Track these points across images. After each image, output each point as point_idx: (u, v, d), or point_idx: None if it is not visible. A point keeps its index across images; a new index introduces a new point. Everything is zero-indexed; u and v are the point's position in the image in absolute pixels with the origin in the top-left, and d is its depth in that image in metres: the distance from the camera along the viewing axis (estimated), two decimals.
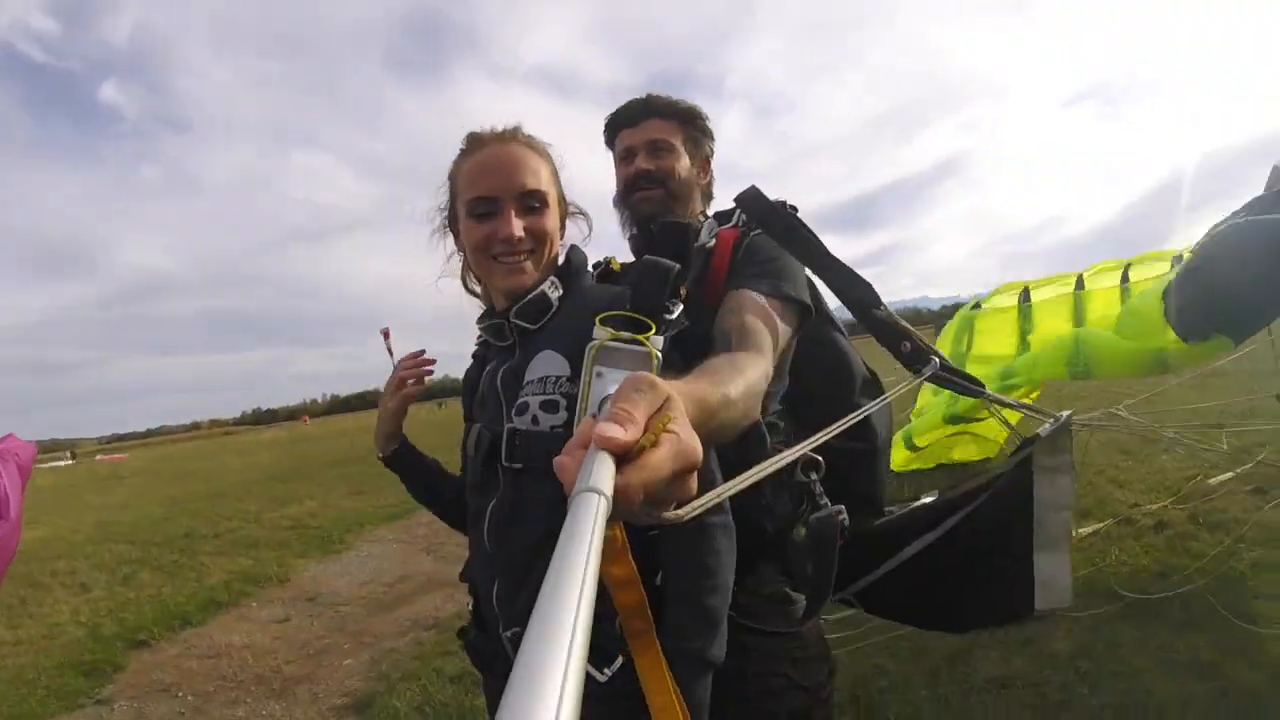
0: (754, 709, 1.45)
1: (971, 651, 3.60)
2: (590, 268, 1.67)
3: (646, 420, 0.67)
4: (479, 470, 1.47)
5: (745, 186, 1.69)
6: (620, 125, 1.91)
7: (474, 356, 1.71)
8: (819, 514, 1.46)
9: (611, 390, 0.83)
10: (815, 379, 1.72)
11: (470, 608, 1.65)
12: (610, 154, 1.95)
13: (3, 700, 4.80)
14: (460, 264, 1.61)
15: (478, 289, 1.62)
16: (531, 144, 1.47)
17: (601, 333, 1.05)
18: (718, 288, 1.57)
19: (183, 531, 10.82)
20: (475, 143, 1.47)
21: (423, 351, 1.76)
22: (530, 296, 1.45)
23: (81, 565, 9.13)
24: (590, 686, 1.21)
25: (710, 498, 0.76)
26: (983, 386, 1.79)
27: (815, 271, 1.66)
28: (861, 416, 1.39)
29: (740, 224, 1.73)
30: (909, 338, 1.65)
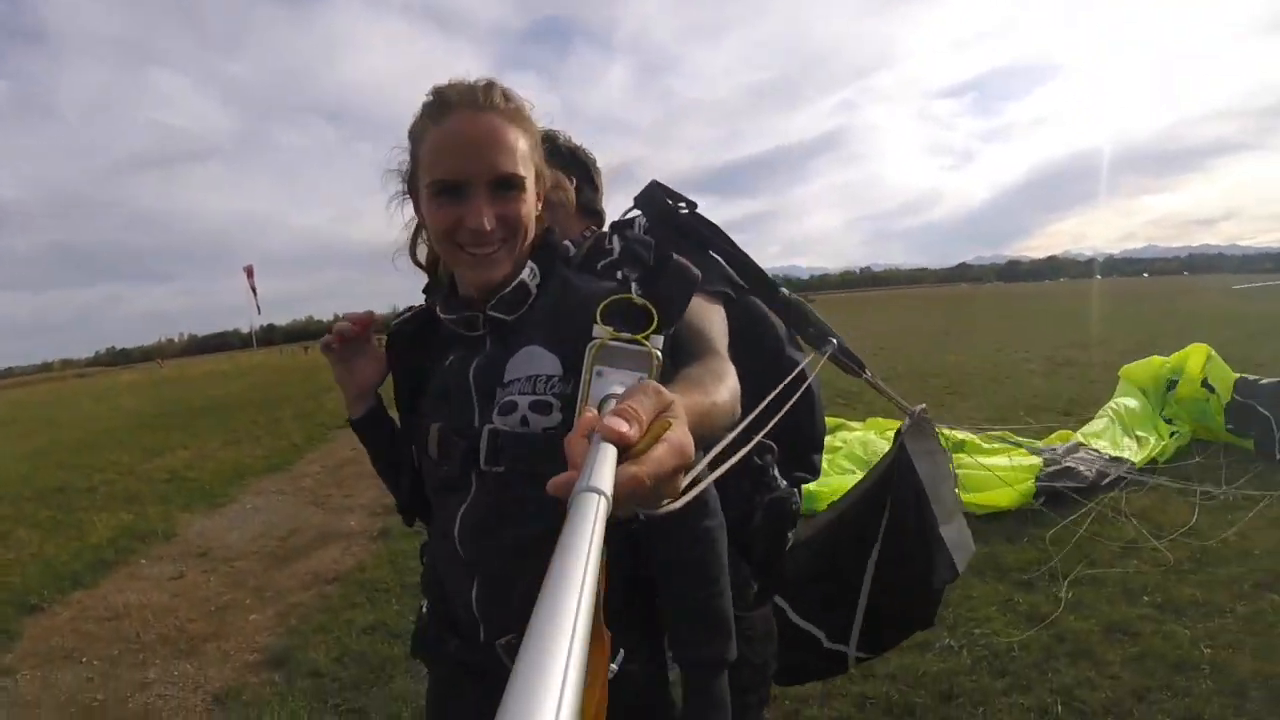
0: None
1: None
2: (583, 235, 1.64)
3: (650, 421, 0.70)
4: (445, 471, 1.37)
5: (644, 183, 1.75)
6: None
7: (400, 333, 1.52)
8: (773, 494, 1.59)
9: (612, 390, 0.87)
10: (743, 346, 1.58)
11: (425, 611, 1.55)
12: None
13: None
14: (411, 231, 1.48)
15: (423, 259, 1.50)
16: (507, 111, 1.28)
17: (602, 331, 1.01)
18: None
19: (55, 484, 10.44)
20: (441, 105, 1.28)
21: (370, 315, 1.52)
22: (509, 291, 1.33)
23: None
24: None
25: (696, 490, 0.78)
26: (864, 369, 2.03)
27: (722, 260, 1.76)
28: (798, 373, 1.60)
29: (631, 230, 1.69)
30: (810, 321, 1.85)
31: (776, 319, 1.87)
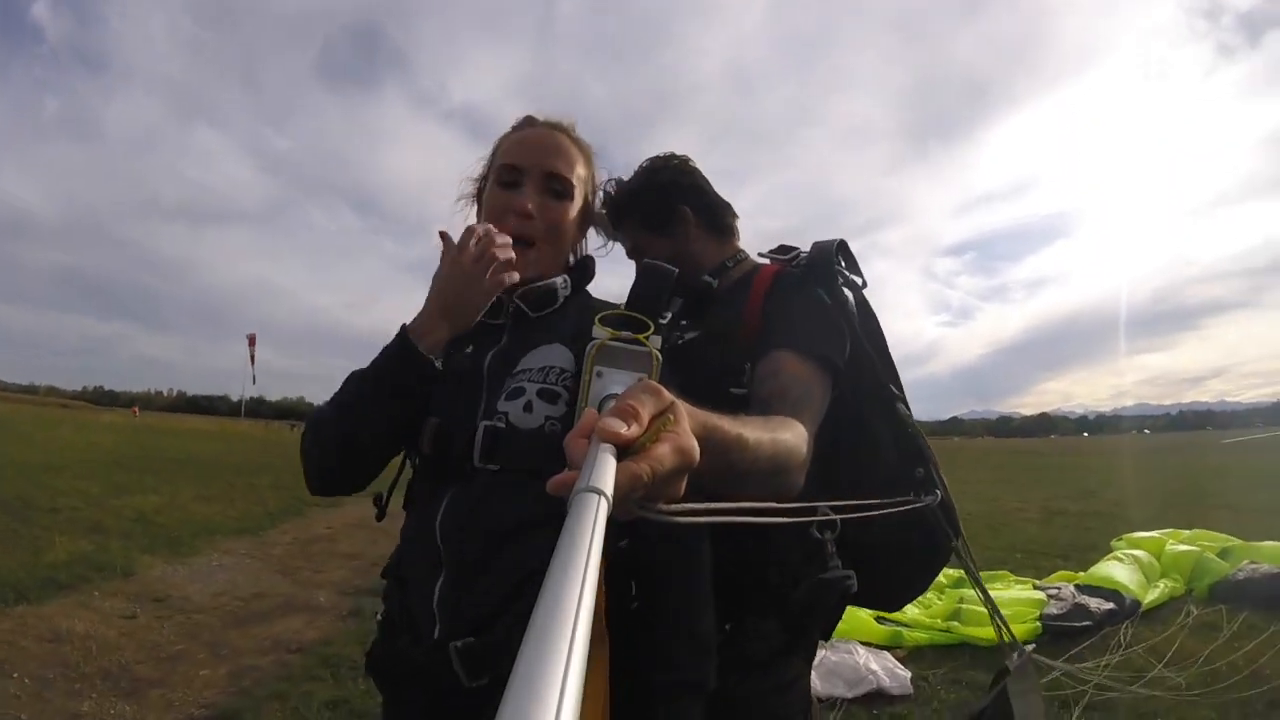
0: None
1: None
2: None
3: (650, 420, 0.69)
4: (437, 465, 1.34)
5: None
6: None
7: None
8: (827, 574, 1.45)
9: (612, 390, 0.87)
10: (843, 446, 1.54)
11: (382, 617, 1.43)
12: None
13: None
14: None
15: None
16: (576, 140, 1.49)
17: (601, 332, 1.03)
18: (755, 312, 1.57)
19: (16, 494, 10.11)
20: (527, 122, 1.50)
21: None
22: (541, 284, 1.41)
23: None
24: None
25: (710, 507, 0.77)
26: (958, 536, 1.74)
27: (864, 341, 1.59)
28: (882, 511, 1.39)
29: (790, 263, 1.69)
30: (924, 462, 1.62)
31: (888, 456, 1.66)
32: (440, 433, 1.34)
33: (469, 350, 1.40)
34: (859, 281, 1.64)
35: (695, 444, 0.71)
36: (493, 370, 1.35)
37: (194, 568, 7.53)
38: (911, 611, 5.41)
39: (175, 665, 4.67)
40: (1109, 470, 26.97)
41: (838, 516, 1.38)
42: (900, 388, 1.64)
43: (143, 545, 8.13)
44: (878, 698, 4.22)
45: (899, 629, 5.14)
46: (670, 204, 1.79)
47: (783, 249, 1.76)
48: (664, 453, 0.66)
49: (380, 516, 1.53)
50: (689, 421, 0.74)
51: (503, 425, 1.28)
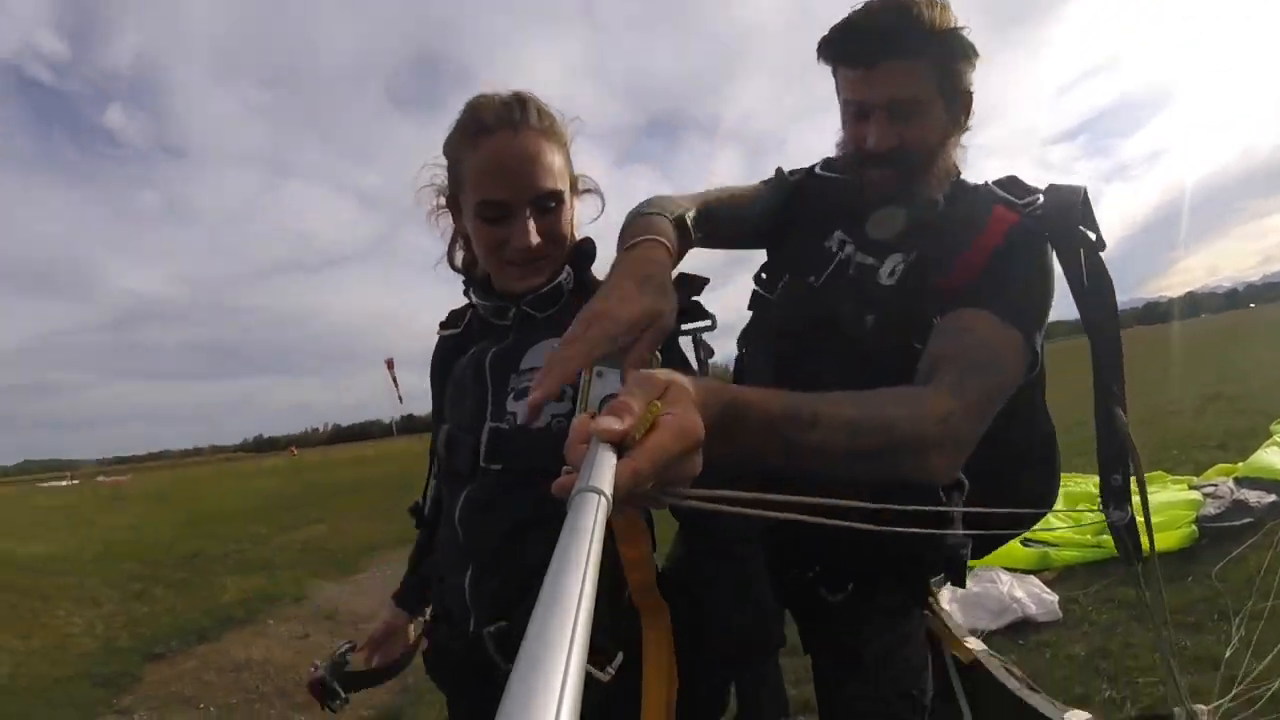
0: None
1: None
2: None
3: (642, 409, 0.69)
4: (452, 466, 1.40)
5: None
6: (841, 60, 1.35)
7: (439, 349, 1.59)
8: (944, 545, 1.39)
9: (612, 390, 0.87)
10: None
11: (430, 618, 1.54)
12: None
13: (19, 708, 4.73)
14: (448, 240, 1.52)
15: (459, 263, 1.53)
16: (542, 129, 1.33)
17: None
18: (974, 268, 1.29)
19: (192, 551, 10.71)
20: (478, 126, 1.31)
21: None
22: (546, 290, 1.38)
23: (91, 581, 9.00)
24: (593, 686, 1.14)
25: (728, 495, 0.76)
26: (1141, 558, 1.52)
27: (1087, 328, 1.36)
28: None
29: (1026, 211, 1.34)
30: (1124, 470, 1.42)
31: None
32: (450, 438, 1.40)
33: (472, 352, 1.43)
34: (1097, 242, 1.33)
35: (698, 420, 0.71)
36: (494, 369, 1.36)
37: (360, 584, 7.85)
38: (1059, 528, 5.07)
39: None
40: (1266, 346, 24.49)
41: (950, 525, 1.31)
42: (1121, 382, 1.40)
43: (310, 571, 8.53)
44: (1024, 626, 4.01)
45: (1045, 550, 4.82)
46: (962, 74, 1.35)
47: (1016, 185, 1.40)
48: (663, 440, 0.67)
49: (419, 525, 1.65)
50: (701, 395, 0.76)
51: (507, 427, 1.30)
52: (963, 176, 1.45)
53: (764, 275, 1.58)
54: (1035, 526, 1.47)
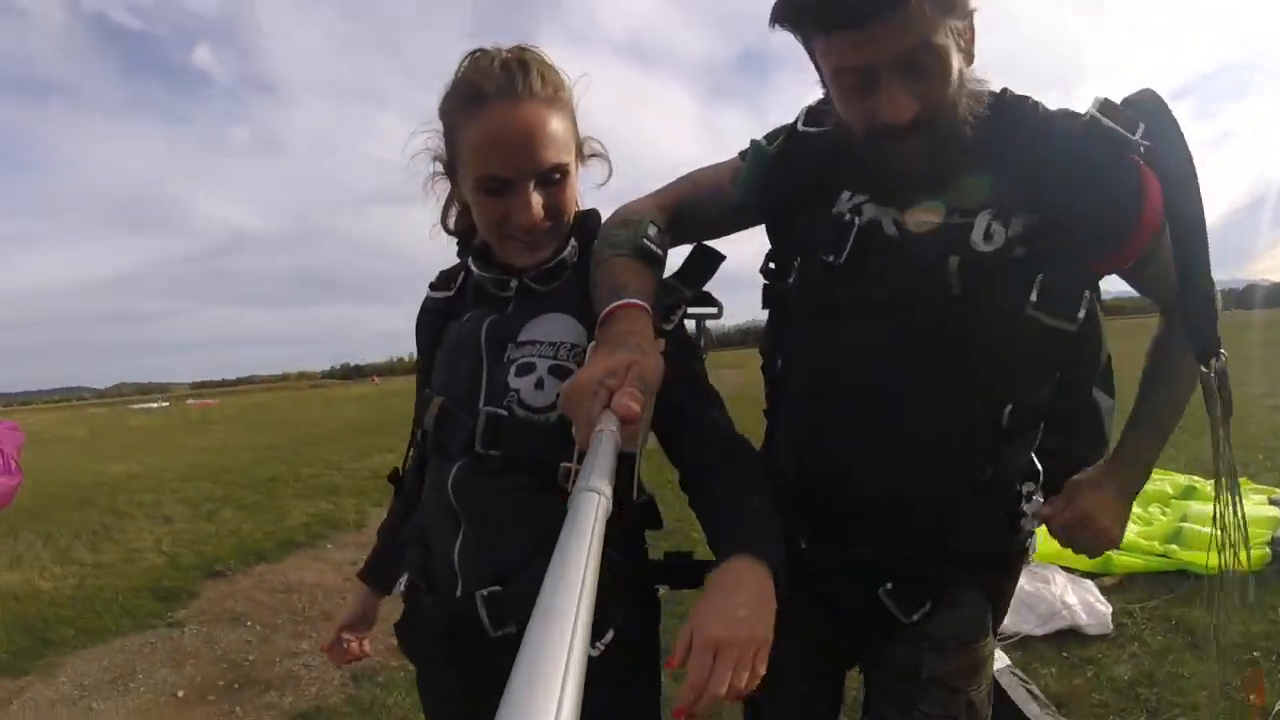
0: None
1: (1030, 666, 3.36)
2: None
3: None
4: (443, 444, 1.34)
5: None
6: (833, 25, 1.06)
7: (427, 310, 1.50)
8: (1010, 541, 1.40)
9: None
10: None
11: (405, 587, 1.45)
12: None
13: (78, 616, 5.00)
14: (444, 202, 1.45)
15: (452, 224, 1.48)
16: (544, 97, 1.23)
17: None
18: (1143, 242, 1.15)
19: (268, 475, 11.08)
20: (475, 95, 1.21)
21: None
22: (550, 265, 1.33)
23: (167, 499, 9.43)
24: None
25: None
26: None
27: (1171, 223, 1.13)
28: None
29: (1141, 151, 1.11)
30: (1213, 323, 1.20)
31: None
32: (442, 415, 1.34)
33: (466, 318, 1.39)
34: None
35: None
36: (490, 337, 1.32)
37: None
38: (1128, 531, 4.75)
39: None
40: None
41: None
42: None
43: (374, 499, 8.68)
44: (1071, 636, 3.64)
45: (1109, 552, 4.50)
46: None
47: (1114, 110, 1.13)
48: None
49: (399, 491, 1.61)
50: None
51: (506, 413, 1.27)
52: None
53: (771, 265, 1.39)
54: None
